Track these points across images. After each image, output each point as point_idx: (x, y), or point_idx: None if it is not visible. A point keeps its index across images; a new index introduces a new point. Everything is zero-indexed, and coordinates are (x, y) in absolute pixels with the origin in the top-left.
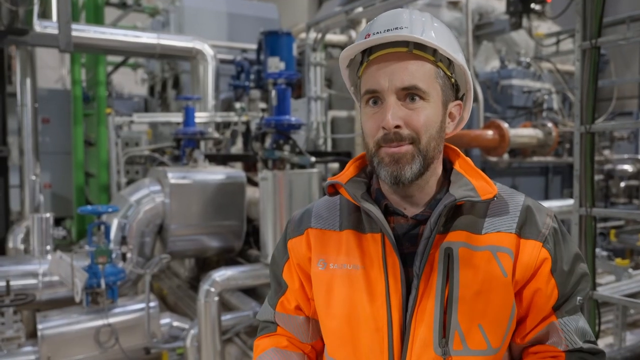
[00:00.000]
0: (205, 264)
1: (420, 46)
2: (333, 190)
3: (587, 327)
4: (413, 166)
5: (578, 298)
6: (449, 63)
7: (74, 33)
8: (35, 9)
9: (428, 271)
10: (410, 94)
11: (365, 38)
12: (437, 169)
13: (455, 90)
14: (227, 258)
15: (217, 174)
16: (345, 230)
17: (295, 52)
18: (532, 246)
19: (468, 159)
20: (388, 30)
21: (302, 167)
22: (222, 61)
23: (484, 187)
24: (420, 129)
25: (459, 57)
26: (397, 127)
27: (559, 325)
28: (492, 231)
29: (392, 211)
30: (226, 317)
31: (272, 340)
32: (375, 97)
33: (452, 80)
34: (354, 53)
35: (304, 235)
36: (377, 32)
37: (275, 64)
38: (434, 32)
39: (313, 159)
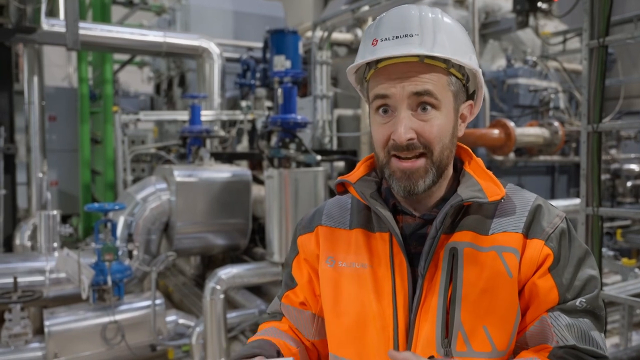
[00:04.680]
0: (210, 261)
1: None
2: (342, 189)
3: (596, 338)
4: (427, 180)
5: (580, 300)
6: (461, 65)
7: (81, 31)
8: (43, 7)
9: (432, 271)
10: (422, 103)
11: (373, 44)
12: (449, 172)
13: (466, 90)
14: (232, 256)
15: (223, 172)
16: (355, 229)
17: (301, 50)
18: (535, 244)
19: (479, 159)
20: (397, 37)
21: (307, 165)
22: (228, 59)
23: (492, 188)
24: (433, 140)
25: (471, 62)
26: (410, 139)
27: (548, 320)
28: (499, 231)
29: (400, 210)
30: (232, 315)
31: (274, 323)
32: (385, 106)
33: (464, 82)
34: (361, 64)
35: (314, 233)
36: (386, 39)
37: (281, 63)
38: (446, 35)
39: (319, 157)
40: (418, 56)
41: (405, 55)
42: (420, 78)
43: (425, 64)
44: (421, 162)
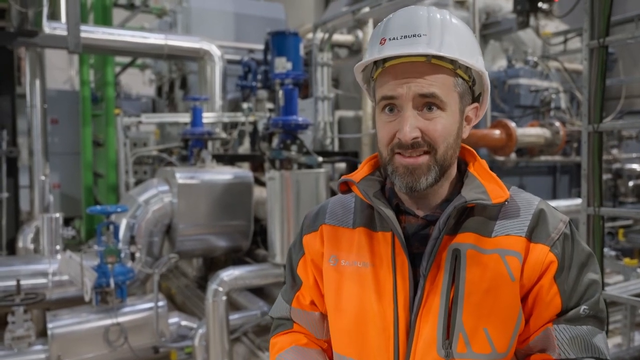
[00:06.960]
0: (213, 263)
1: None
2: (345, 187)
3: (598, 343)
4: (429, 177)
5: (583, 307)
6: (467, 66)
7: (82, 34)
8: (45, 10)
9: (435, 272)
10: (427, 103)
11: (381, 43)
12: (452, 172)
13: (472, 92)
14: (234, 258)
15: (224, 174)
16: (358, 228)
17: (302, 52)
18: (539, 250)
19: (483, 161)
20: (405, 36)
21: (309, 167)
22: (230, 61)
23: (496, 190)
24: (438, 138)
25: (478, 63)
26: (415, 138)
27: (553, 332)
28: (502, 234)
29: (403, 210)
30: (234, 317)
31: (290, 337)
32: (391, 105)
33: (470, 84)
34: (368, 62)
35: (319, 232)
36: (394, 38)
37: (282, 64)
38: (454, 37)
39: (320, 159)
40: (425, 56)
41: (413, 54)
42: (427, 79)
43: (432, 64)
44: (424, 158)
